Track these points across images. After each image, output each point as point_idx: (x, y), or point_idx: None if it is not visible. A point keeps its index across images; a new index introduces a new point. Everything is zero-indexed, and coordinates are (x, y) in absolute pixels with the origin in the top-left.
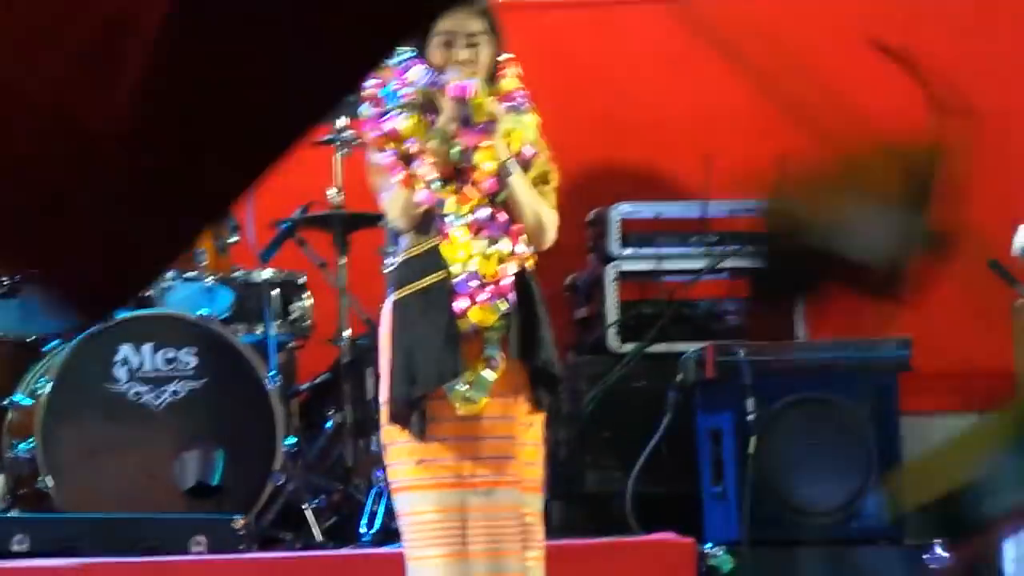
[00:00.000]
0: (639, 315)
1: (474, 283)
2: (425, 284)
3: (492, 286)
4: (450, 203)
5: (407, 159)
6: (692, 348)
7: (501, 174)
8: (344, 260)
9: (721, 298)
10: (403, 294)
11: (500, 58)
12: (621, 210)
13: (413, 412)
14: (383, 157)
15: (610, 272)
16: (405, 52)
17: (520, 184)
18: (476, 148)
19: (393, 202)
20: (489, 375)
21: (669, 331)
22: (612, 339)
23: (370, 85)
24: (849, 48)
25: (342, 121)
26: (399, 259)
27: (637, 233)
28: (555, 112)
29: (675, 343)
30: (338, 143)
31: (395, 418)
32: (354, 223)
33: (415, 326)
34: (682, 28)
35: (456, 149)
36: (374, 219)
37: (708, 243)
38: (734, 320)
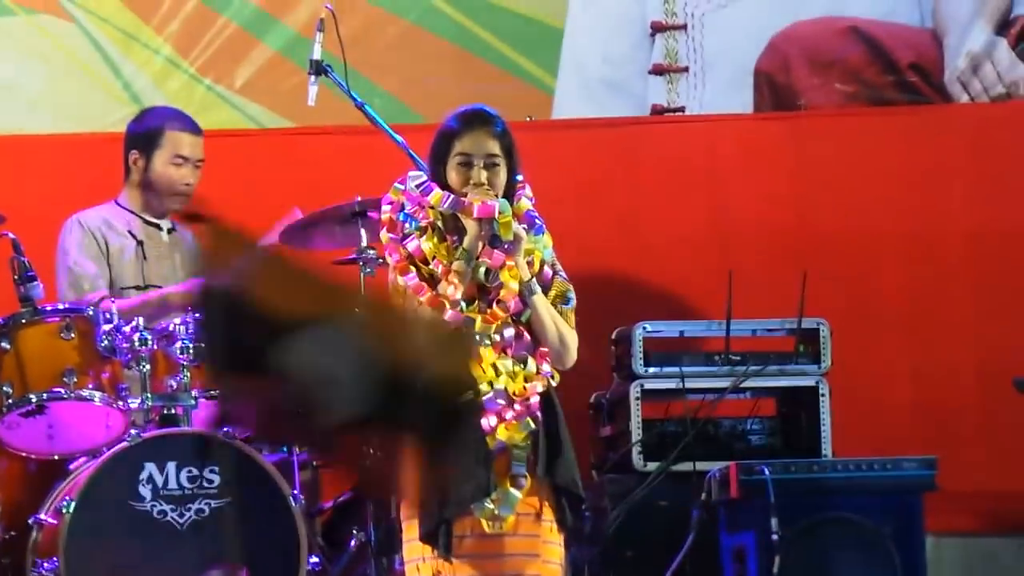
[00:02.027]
0: (662, 434)
1: (502, 401)
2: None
3: (519, 404)
4: (477, 323)
5: (431, 281)
6: (715, 467)
7: (524, 293)
8: None
9: (744, 418)
10: None
11: (515, 179)
12: (644, 329)
13: (440, 531)
14: (408, 279)
15: (634, 390)
16: (419, 176)
17: (543, 303)
18: (502, 267)
19: None
20: (516, 493)
21: (693, 450)
22: (636, 458)
23: (386, 210)
24: None
25: (365, 241)
26: None
27: (660, 352)
28: (577, 231)
29: (699, 462)
30: (362, 262)
31: (425, 538)
32: None
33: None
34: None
35: (482, 269)
36: None
37: (731, 362)
38: (758, 439)
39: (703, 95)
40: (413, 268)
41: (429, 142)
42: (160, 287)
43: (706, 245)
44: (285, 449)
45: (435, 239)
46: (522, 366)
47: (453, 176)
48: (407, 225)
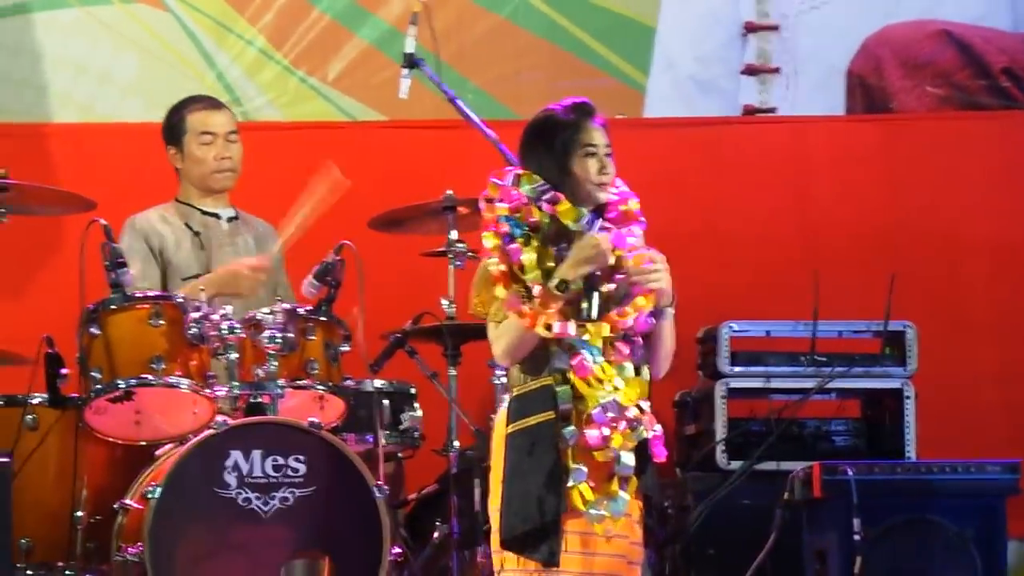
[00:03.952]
0: (747, 433)
1: (614, 412)
2: (534, 422)
3: (633, 413)
4: (588, 336)
5: (529, 293)
6: (799, 467)
7: (660, 310)
8: (454, 371)
9: (829, 418)
10: (514, 429)
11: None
12: (731, 328)
13: (528, 544)
14: (511, 297)
15: (719, 389)
16: (537, 182)
17: (670, 325)
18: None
19: (506, 337)
20: (625, 496)
21: (776, 450)
22: (720, 456)
23: (489, 208)
24: None
25: (455, 234)
26: (513, 393)
27: (746, 351)
28: (665, 229)
29: (782, 462)
30: (451, 255)
31: (505, 545)
32: (465, 334)
33: (522, 464)
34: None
35: (561, 285)
36: (486, 331)
37: (817, 363)
38: (842, 440)
39: (795, 96)
40: (513, 281)
41: (520, 137)
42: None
43: (793, 245)
44: (372, 439)
45: (538, 247)
46: (634, 376)
47: (580, 166)
48: (512, 229)
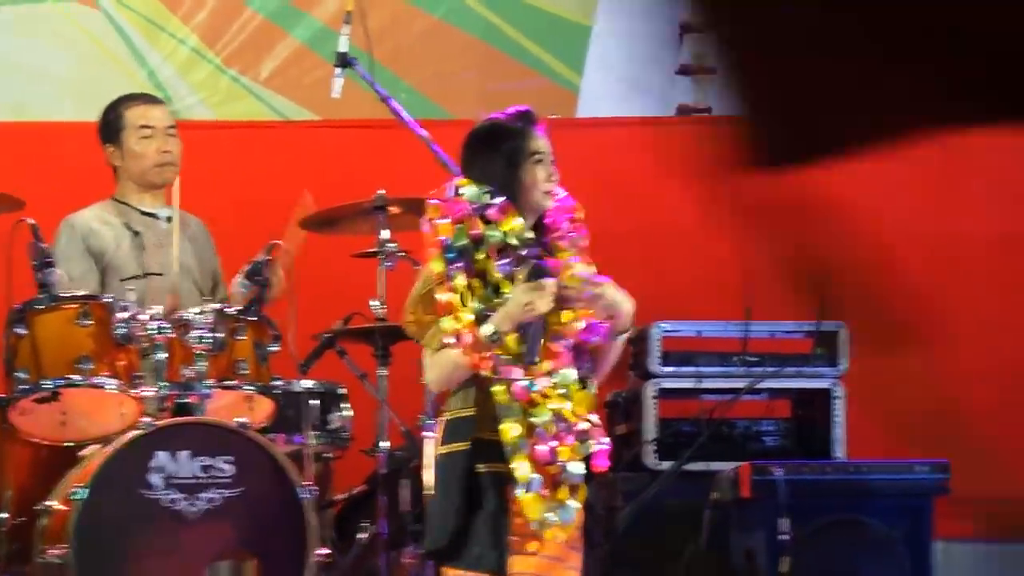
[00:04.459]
0: (677, 433)
1: (562, 426)
2: (455, 449)
3: (578, 427)
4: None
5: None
6: (728, 467)
7: (616, 332)
8: (384, 372)
9: (759, 419)
10: (445, 451)
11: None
12: (662, 328)
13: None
14: (460, 336)
15: (649, 390)
16: (481, 188)
17: (621, 344)
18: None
19: (441, 369)
20: (575, 504)
21: (707, 450)
22: (649, 456)
23: (430, 228)
24: None
25: (386, 234)
26: (446, 416)
27: (678, 351)
28: (598, 229)
29: (712, 462)
30: (382, 255)
31: (428, 557)
32: (395, 335)
33: (448, 486)
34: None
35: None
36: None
37: (748, 363)
38: (772, 440)
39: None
40: (457, 308)
41: (463, 145)
42: (160, 275)
43: (727, 245)
44: (300, 440)
45: (481, 263)
46: (581, 385)
47: (529, 174)
48: (450, 259)
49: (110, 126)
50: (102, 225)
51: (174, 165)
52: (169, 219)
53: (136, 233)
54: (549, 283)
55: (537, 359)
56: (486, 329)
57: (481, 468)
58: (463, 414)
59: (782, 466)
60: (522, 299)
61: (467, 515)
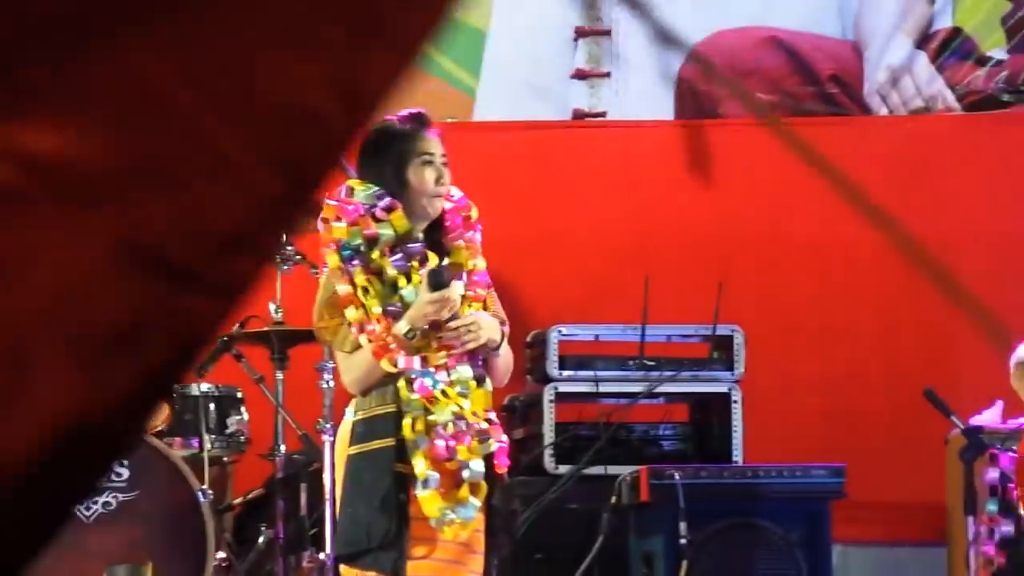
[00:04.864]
0: (575, 437)
1: (462, 425)
2: (375, 447)
3: (478, 427)
4: (432, 359)
5: (368, 316)
6: (627, 471)
7: (490, 348)
8: (281, 375)
9: (657, 422)
10: (355, 451)
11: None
12: (559, 332)
13: (367, 560)
14: (365, 327)
15: (548, 393)
16: (371, 189)
17: (501, 357)
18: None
19: (356, 370)
20: (475, 502)
21: (605, 454)
22: (548, 460)
23: (326, 231)
24: None
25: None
26: (358, 416)
27: (575, 355)
28: (495, 234)
29: (611, 466)
30: (278, 259)
31: (340, 560)
32: (292, 339)
33: (360, 487)
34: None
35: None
36: (312, 335)
37: (645, 367)
38: (670, 444)
39: (624, 100)
40: (358, 300)
41: (358, 147)
42: None
43: (623, 249)
44: (197, 443)
45: (376, 261)
46: (477, 384)
47: (417, 176)
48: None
49: None
50: None
51: None
52: None
53: None
54: (451, 291)
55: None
56: (400, 327)
57: (397, 467)
58: (381, 411)
59: (680, 470)
60: (426, 310)
61: (380, 515)
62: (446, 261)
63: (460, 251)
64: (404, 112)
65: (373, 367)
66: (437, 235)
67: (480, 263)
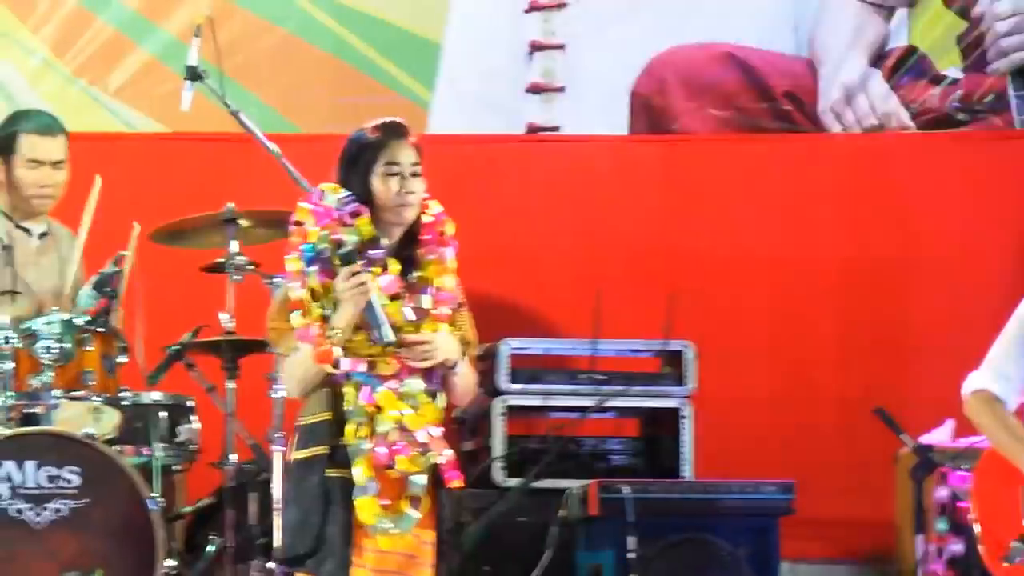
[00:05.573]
0: (525, 450)
1: (403, 434)
2: (313, 453)
3: (418, 439)
4: (379, 368)
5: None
6: (577, 485)
7: (447, 367)
8: (232, 384)
9: (607, 437)
10: (297, 457)
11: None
12: (510, 345)
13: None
14: (307, 330)
15: (497, 406)
16: (341, 193)
17: (463, 373)
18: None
19: (299, 372)
20: (414, 514)
21: (555, 467)
22: (497, 473)
23: (297, 234)
24: None
25: (235, 246)
26: (300, 421)
27: (526, 369)
28: None
29: (560, 480)
30: (231, 268)
31: (282, 564)
32: (244, 348)
33: (299, 491)
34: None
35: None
36: (263, 344)
37: (596, 381)
38: (620, 458)
39: (579, 115)
40: (308, 305)
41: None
42: (19, 293)
43: (576, 264)
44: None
45: (338, 267)
46: (431, 399)
47: (381, 185)
48: (308, 259)
49: (5, 141)
50: None
51: (54, 199)
52: (42, 235)
53: (6, 247)
54: (358, 265)
55: (392, 337)
56: (330, 331)
57: (332, 473)
58: (320, 418)
59: (630, 484)
60: (339, 287)
61: (321, 521)
62: (415, 275)
63: (429, 265)
64: (379, 121)
65: (308, 368)
66: (409, 247)
67: (448, 281)
